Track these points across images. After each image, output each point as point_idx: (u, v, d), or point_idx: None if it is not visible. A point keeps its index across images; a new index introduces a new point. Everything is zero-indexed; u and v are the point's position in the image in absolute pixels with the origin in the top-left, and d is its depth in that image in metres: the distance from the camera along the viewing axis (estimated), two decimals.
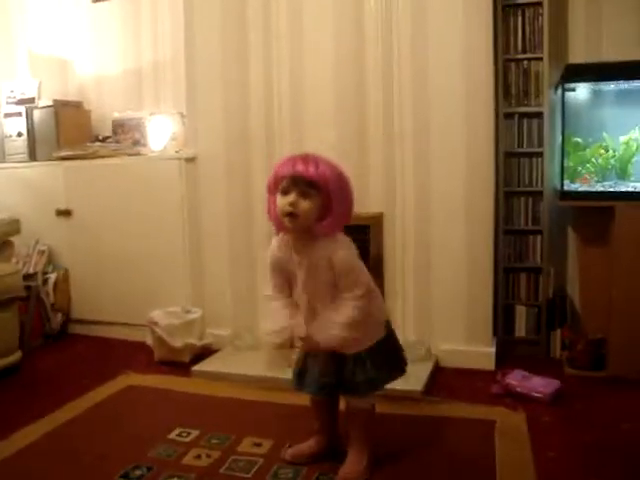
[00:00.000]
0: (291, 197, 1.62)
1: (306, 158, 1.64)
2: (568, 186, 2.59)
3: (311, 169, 1.61)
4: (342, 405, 1.85)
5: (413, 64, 2.63)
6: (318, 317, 1.72)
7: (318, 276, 1.68)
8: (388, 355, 1.80)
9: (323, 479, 1.74)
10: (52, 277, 3.30)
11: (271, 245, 1.80)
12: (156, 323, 2.84)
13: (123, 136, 3.53)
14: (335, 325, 1.66)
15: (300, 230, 1.68)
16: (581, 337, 2.60)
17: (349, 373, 1.74)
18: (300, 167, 1.61)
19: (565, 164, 2.59)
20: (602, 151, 2.53)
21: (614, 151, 2.52)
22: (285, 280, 1.79)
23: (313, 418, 1.89)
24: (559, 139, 2.64)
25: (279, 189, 1.66)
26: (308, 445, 1.87)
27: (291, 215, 1.63)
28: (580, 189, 2.58)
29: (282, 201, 1.64)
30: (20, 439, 2.04)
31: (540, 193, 2.78)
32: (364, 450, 1.77)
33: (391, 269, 2.73)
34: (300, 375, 1.84)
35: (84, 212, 3.32)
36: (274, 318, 1.80)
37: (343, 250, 1.68)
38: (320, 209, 1.64)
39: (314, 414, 1.89)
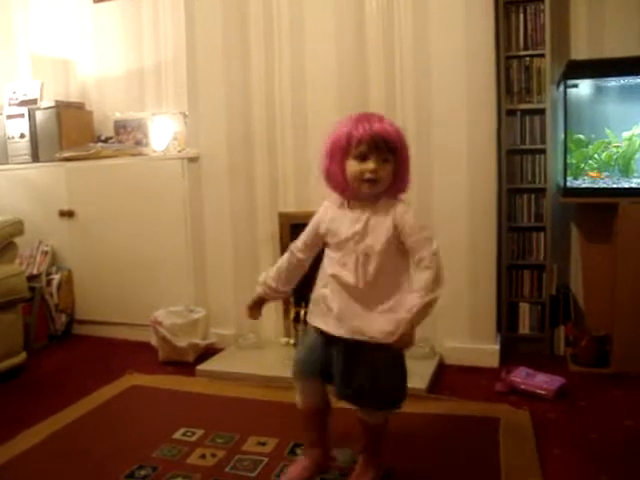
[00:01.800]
0: (371, 164, 1.48)
1: (380, 117, 1.52)
2: (571, 183, 2.59)
3: (390, 129, 1.50)
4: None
5: (415, 62, 2.63)
6: (379, 301, 1.54)
7: (377, 234, 1.52)
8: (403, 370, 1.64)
9: (328, 478, 1.74)
10: (56, 278, 3.31)
11: (324, 203, 1.66)
12: (160, 323, 2.84)
13: (125, 136, 3.54)
14: (420, 290, 1.48)
15: (374, 195, 1.55)
16: (585, 334, 2.60)
17: (373, 379, 1.55)
18: (378, 126, 1.49)
19: (568, 161, 2.58)
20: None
21: (616, 147, 2.52)
22: (316, 242, 1.66)
23: (307, 430, 1.75)
24: (561, 136, 2.64)
25: (352, 154, 1.51)
26: (303, 467, 1.73)
27: (371, 181, 1.50)
28: (583, 185, 2.58)
29: (359, 167, 1.50)
30: (25, 440, 2.05)
31: (543, 190, 2.78)
32: (377, 460, 1.69)
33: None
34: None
35: (87, 213, 3.32)
36: (270, 269, 1.72)
37: (409, 212, 1.55)
38: (393, 174, 1.53)
39: (308, 425, 1.74)
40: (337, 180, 1.56)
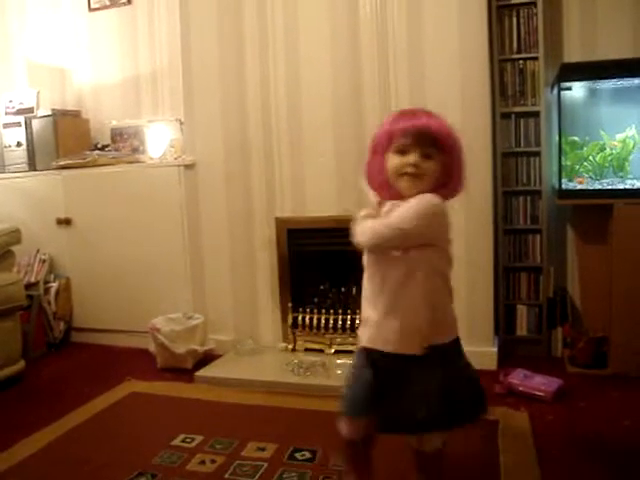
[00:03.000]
0: (412, 157, 1.39)
1: (429, 113, 1.43)
2: (566, 185, 2.60)
3: (435, 123, 1.41)
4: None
5: (409, 66, 2.64)
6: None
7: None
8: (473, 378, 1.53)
9: None
10: (54, 286, 3.31)
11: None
12: (158, 330, 2.84)
13: (122, 144, 3.55)
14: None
15: (415, 194, 1.40)
16: (582, 335, 2.61)
17: (441, 398, 1.39)
18: (423, 120, 1.40)
19: (562, 163, 2.59)
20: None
21: (611, 149, 2.53)
22: None
23: (349, 468, 1.54)
24: (556, 138, 2.65)
25: (393, 148, 1.42)
26: None
27: (411, 176, 1.39)
28: (578, 187, 2.59)
29: (398, 160, 1.41)
30: (24, 448, 2.05)
31: (538, 192, 2.79)
32: None
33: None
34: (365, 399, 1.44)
35: (84, 220, 3.33)
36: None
37: (433, 201, 1.39)
38: (439, 172, 1.42)
39: (352, 461, 1.53)
40: (378, 180, 1.47)
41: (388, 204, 1.45)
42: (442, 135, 1.41)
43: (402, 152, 1.41)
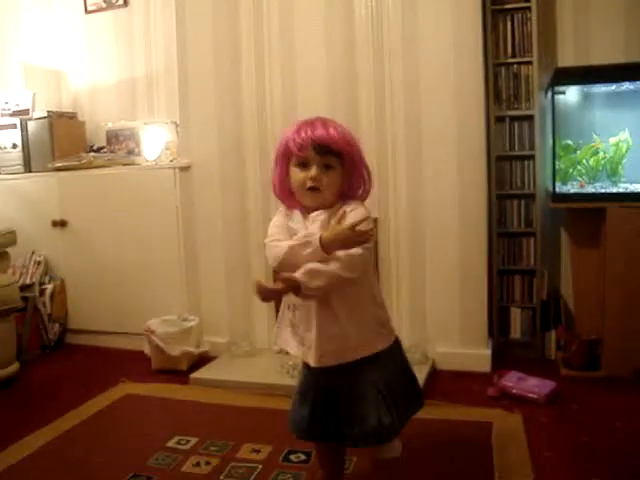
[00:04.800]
0: (313, 171, 1.41)
1: (323, 121, 1.43)
2: (560, 188, 2.62)
3: (334, 133, 1.41)
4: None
5: (404, 71, 2.65)
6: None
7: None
8: (406, 383, 1.58)
9: None
10: (49, 288, 3.30)
11: (276, 215, 1.55)
12: (153, 332, 2.84)
13: (117, 146, 3.55)
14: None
15: (319, 207, 1.46)
16: (575, 338, 2.62)
17: (371, 415, 1.44)
18: (320, 131, 1.40)
19: (556, 166, 2.61)
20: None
21: (604, 152, 2.55)
22: None
23: (319, 465, 1.67)
24: (550, 142, 2.67)
25: (294, 161, 1.45)
26: None
27: (313, 190, 1.42)
28: (572, 190, 2.60)
29: (300, 175, 1.43)
30: (19, 450, 2.05)
31: (532, 196, 2.80)
32: None
33: (385, 273, 2.75)
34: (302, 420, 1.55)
35: (79, 222, 3.32)
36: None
37: (359, 209, 1.44)
38: (342, 181, 1.45)
39: (320, 461, 1.65)
40: (283, 191, 1.50)
41: (313, 215, 1.45)
42: (339, 144, 1.41)
43: (303, 165, 1.43)
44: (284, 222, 1.51)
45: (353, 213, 1.42)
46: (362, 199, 1.52)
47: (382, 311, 1.55)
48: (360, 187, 1.51)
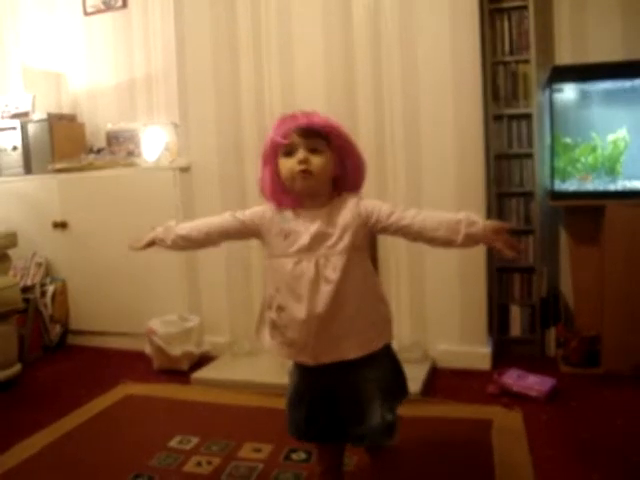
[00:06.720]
0: (300, 154, 1.40)
1: (305, 111, 1.44)
2: (559, 186, 2.62)
3: (316, 119, 1.42)
4: None
5: (402, 70, 2.66)
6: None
7: (342, 239, 1.42)
8: (396, 376, 1.60)
9: None
10: (50, 289, 3.31)
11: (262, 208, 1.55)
12: (154, 332, 2.85)
13: (117, 147, 3.56)
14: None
15: (313, 192, 1.45)
16: (575, 335, 2.63)
17: (374, 413, 1.45)
18: (303, 119, 1.41)
19: (555, 164, 2.62)
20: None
21: (602, 150, 2.55)
22: (239, 234, 1.62)
23: (317, 460, 1.67)
24: (548, 140, 2.67)
25: (281, 153, 1.44)
26: None
27: (304, 172, 1.40)
28: (571, 188, 2.61)
29: (289, 162, 1.42)
30: (21, 451, 2.05)
31: (531, 194, 2.81)
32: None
33: (385, 272, 2.75)
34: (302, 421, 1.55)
35: (80, 224, 3.33)
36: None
37: (370, 199, 1.48)
38: (333, 167, 1.44)
39: (319, 457, 1.65)
40: (271, 191, 1.50)
41: (312, 213, 1.45)
42: (325, 127, 1.42)
43: (289, 154, 1.42)
44: (262, 220, 1.54)
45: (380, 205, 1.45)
46: (356, 188, 1.52)
47: (386, 308, 1.55)
48: (350, 176, 1.49)
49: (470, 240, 1.37)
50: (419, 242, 1.46)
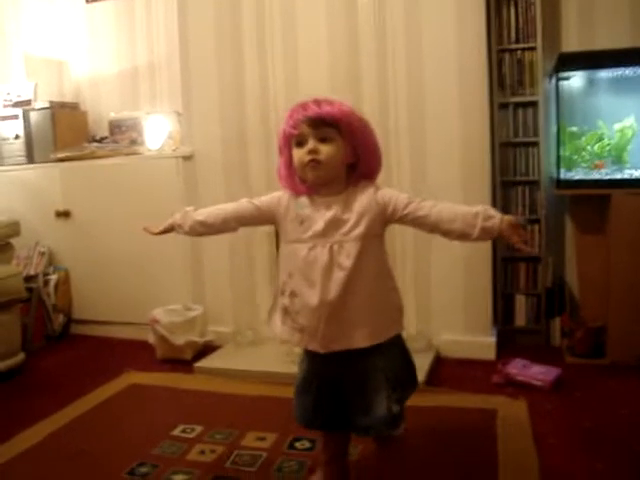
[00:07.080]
0: (309, 144, 1.41)
1: (316, 99, 1.45)
2: (564, 175, 2.60)
3: (326, 107, 1.42)
4: None
5: (407, 57, 2.63)
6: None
7: (358, 226, 1.44)
8: (405, 366, 1.62)
9: None
10: (53, 278, 3.31)
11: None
12: (157, 321, 2.85)
13: (120, 136, 3.54)
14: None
15: (324, 182, 1.46)
16: (580, 325, 2.62)
17: (381, 404, 1.46)
18: (313, 108, 1.42)
19: (561, 153, 2.60)
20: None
21: (609, 139, 2.53)
22: (255, 220, 1.64)
23: (322, 448, 1.66)
24: (554, 128, 2.65)
25: (293, 144, 1.46)
26: None
27: (313, 162, 1.42)
28: (577, 177, 2.59)
29: (299, 153, 1.44)
30: (25, 440, 2.06)
31: (537, 182, 2.79)
32: None
33: (390, 261, 2.72)
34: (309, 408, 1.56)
35: (83, 213, 3.33)
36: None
37: (387, 188, 1.50)
38: (345, 154, 1.45)
39: (325, 445, 1.64)
40: (287, 177, 1.52)
41: (327, 200, 1.47)
42: (335, 116, 1.42)
43: (300, 144, 1.44)
44: (277, 206, 1.55)
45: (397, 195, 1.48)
46: (371, 177, 1.52)
47: (398, 297, 1.56)
48: (365, 166, 1.50)
49: (486, 234, 1.39)
50: (435, 234, 1.48)
